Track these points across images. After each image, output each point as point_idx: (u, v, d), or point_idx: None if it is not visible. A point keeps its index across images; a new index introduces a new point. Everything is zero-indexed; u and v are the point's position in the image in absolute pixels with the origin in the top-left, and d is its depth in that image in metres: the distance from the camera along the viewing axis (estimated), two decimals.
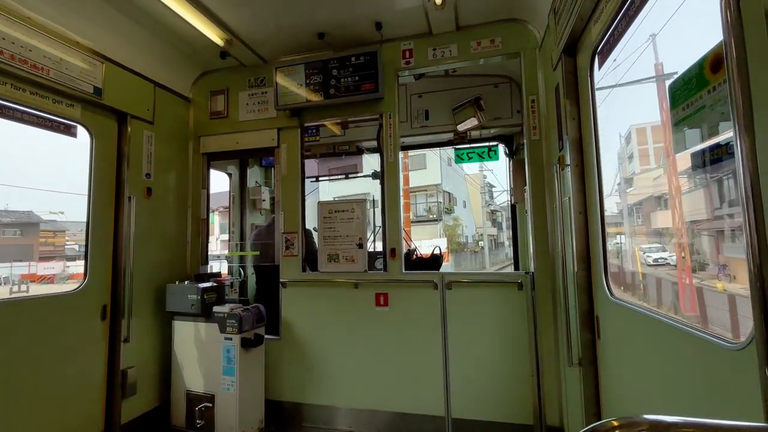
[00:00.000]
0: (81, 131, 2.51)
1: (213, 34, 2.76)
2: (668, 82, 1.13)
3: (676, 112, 1.09)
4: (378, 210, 3.10)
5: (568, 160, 1.97)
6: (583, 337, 1.88)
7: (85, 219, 2.49)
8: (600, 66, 1.74)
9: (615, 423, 0.58)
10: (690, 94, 1.00)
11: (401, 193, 2.85)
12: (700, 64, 0.94)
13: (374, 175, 4.11)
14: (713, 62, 0.88)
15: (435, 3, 2.44)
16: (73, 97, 2.38)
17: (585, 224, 1.91)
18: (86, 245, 2.47)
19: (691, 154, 1.02)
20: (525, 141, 2.66)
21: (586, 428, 0.58)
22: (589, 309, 1.88)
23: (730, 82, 0.66)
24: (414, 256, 3.93)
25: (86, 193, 2.50)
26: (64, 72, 2.30)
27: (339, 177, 4.89)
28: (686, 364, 1.10)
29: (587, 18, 1.72)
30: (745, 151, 0.64)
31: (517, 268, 3.71)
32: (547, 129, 2.50)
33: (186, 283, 2.83)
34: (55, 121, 2.35)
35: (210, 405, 2.64)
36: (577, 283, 1.89)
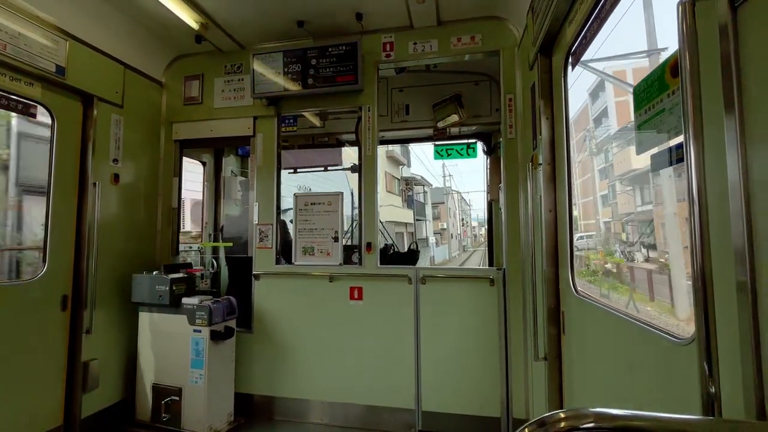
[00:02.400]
0: (42, 112, 2.38)
1: (187, 17, 2.66)
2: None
3: (639, 114, 1.12)
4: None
5: (540, 159, 2.00)
6: (549, 332, 1.93)
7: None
8: (573, 67, 1.77)
9: (562, 415, 0.59)
10: (652, 97, 1.03)
11: (378, 188, 2.84)
12: (661, 68, 0.96)
13: (353, 169, 4.08)
14: (673, 66, 0.90)
15: None
16: (32, 75, 2.25)
17: (554, 222, 1.95)
18: (45, 232, 2.35)
19: (651, 155, 1.05)
20: (501, 139, 2.69)
21: (535, 419, 0.59)
22: (556, 304, 1.93)
23: (683, 91, 0.68)
24: (391, 251, 3.94)
25: (46, 176, 2.38)
26: (23, 48, 2.17)
27: (319, 169, 4.84)
28: (641, 357, 1.14)
29: (562, 18, 1.74)
30: (694, 156, 0.66)
31: (491, 264, 3.77)
32: (523, 127, 2.54)
33: (154, 273, 2.75)
34: (12, 99, 2.22)
35: (177, 398, 2.58)
36: (545, 279, 1.93)
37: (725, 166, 0.66)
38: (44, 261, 2.34)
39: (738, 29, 0.64)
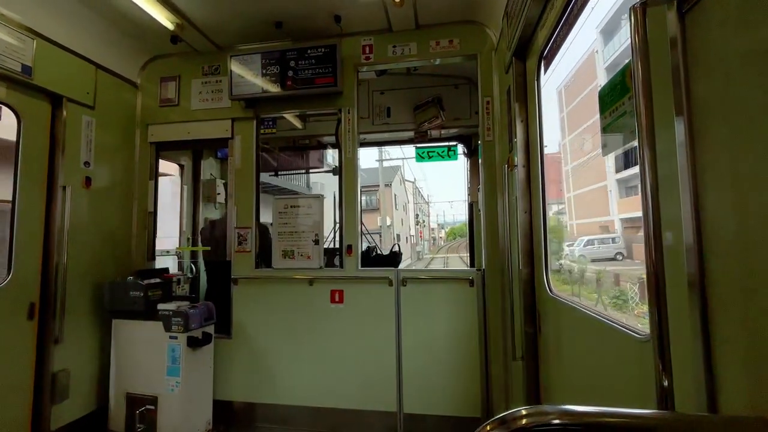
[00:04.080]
0: (7, 113, 2.30)
1: (162, 17, 2.60)
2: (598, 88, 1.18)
3: (604, 117, 1.15)
4: None
5: (516, 161, 2.03)
6: (526, 332, 1.96)
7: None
8: (545, 70, 1.81)
9: (524, 412, 0.60)
10: (615, 100, 1.06)
11: (359, 189, 2.83)
12: (622, 72, 0.99)
13: (334, 171, 4.06)
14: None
15: (394, 0, 2.44)
16: None
17: (530, 223, 1.98)
18: (11, 238, 2.26)
19: (615, 156, 1.07)
20: (480, 141, 2.72)
21: (496, 417, 0.59)
22: (532, 304, 1.96)
23: (635, 96, 0.70)
24: (373, 253, 3.94)
25: (12, 180, 2.29)
26: None
27: (300, 172, 4.81)
28: (609, 354, 1.17)
29: (534, 24, 1.77)
30: (647, 159, 0.69)
31: (473, 265, 3.81)
32: (500, 130, 2.58)
33: (128, 279, 2.67)
34: None
35: (152, 407, 2.51)
36: (521, 280, 1.96)
37: (676, 168, 0.68)
38: (9, 268, 2.25)
39: (686, 36, 0.67)
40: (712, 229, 0.64)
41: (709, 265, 0.64)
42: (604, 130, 1.15)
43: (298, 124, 3.84)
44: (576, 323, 1.43)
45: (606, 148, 1.14)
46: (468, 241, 3.85)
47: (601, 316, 1.18)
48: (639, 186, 0.73)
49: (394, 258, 3.75)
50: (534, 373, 1.92)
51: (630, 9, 0.67)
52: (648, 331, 0.89)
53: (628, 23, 0.67)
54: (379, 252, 4.04)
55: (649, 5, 0.66)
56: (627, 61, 0.99)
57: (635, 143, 1.03)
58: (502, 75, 2.45)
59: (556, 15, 1.51)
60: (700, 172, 0.66)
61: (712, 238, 0.64)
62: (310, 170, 4.60)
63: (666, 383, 0.62)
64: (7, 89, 2.24)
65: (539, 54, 1.78)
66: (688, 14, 0.66)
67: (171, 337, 2.52)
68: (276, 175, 4.54)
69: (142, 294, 2.57)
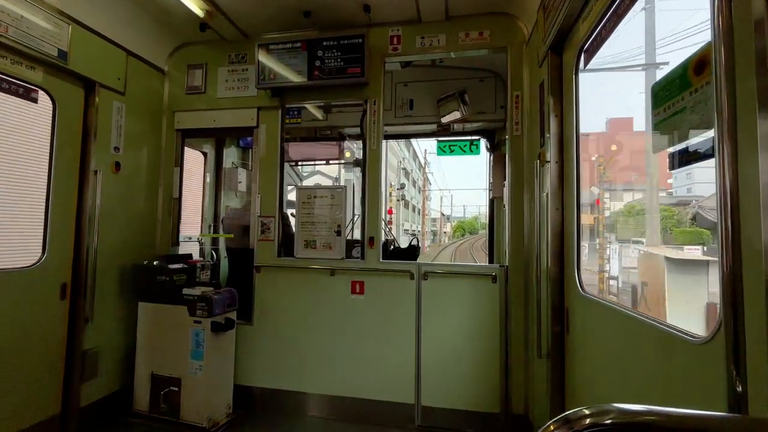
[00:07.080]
0: (43, 97, 2.34)
1: (192, 3, 2.61)
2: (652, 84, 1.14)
3: (656, 113, 1.11)
4: None
5: (548, 157, 2.00)
6: (553, 330, 1.94)
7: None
8: (585, 65, 1.76)
9: (586, 411, 0.59)
10: (672, 95, 1.02)
11: (383, 182, 2.82)
12: (684, 66, 0.95)
13: (356, 163, 4.06)
14: (697, 64, 0.89)
15: None
16: (34, 59, 2.21)
17: (561, 220, 1.95)
18: (45, 219, 2.32)
19: (669, 154, 1.04)
20: (507, 136, 2.68)
21: (559, 417, 0.58)
22: (560, 303, 1.93)
23: (716, 87, 0.67)
24: (391, 247, 3.93)
25: (47, 163, 2.35)
26: (25, 31, 2.12)
27: (320, 162, 4.82)
28: (651, 356, 1.14)
29: (576, 15, 1.72)
30: (727, 155, 0.65)
31: (492, 261, 3.78)
32: (529, 125, 2.53)
33: (155, 263, 2.72)
34: (12, 83, 2.17)
35: (176, 389, 2.57)
36: (550, 278, 1.93)
37: (757, 164, 0.65)
38: (44, 249, 2.31)
39: None
40: None
41: None
42: (656, 126, 1.12)
43: (319, 115, 3.83)
44: (613, 323, 1.40)
45: (658, 145, 1.10)
46: (488, 238, 3.82)
47: (648, 318, 1.16)
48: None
49: (412, 252, 3.74)
50: (560, 372, 1.90)
51: None
52: (703, 334, 0.86)
53: (710, 12, 0.64)
54: (397, 245, 4.03)
55: None
56: (689, 55, 0.96)
57: (692, 141, 1.00)
58: (534, 69, 2.40)
59: (602, 6, 1.46)
60: None
61: None
62: (330, 161, 4.61)
63: (740, 388, 0.60)
64: (44, 74, 2.28)
65: (579, 47, 1.73)
66: None
67: (195, 322, 2.57)
68: (296, 164, 4.56)
69: (168, 278, 2.62)
